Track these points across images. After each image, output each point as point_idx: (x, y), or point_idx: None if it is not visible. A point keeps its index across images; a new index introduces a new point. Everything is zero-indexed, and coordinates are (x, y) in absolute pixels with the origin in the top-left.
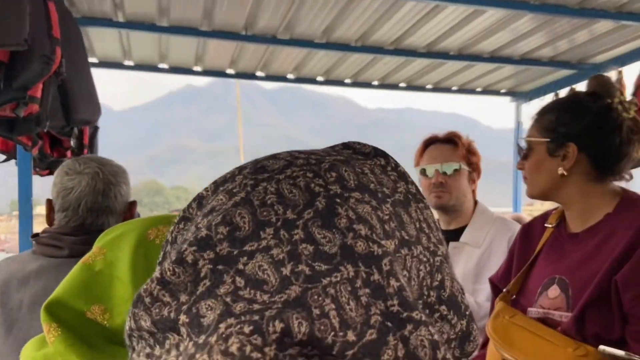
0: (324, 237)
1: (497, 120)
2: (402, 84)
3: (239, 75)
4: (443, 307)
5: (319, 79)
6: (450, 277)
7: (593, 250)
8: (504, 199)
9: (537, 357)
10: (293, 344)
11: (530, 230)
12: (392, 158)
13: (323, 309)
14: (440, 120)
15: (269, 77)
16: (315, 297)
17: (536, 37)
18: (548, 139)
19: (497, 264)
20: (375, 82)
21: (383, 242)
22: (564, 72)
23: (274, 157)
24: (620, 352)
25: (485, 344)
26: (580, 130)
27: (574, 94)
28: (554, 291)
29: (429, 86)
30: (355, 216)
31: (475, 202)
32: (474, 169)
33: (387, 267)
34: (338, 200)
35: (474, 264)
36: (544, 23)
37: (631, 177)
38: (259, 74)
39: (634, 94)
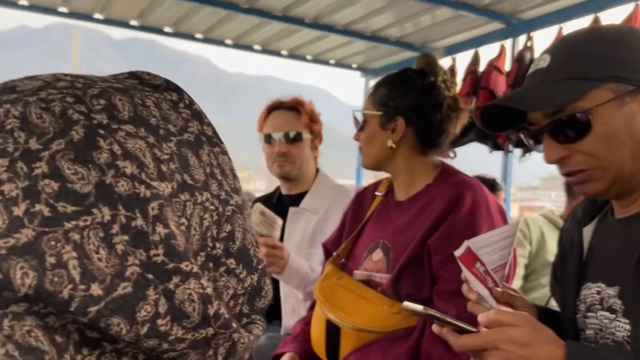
0: (75, 173)
1: (351, 96)
2: (257, 47)
3: (73, 15)
4: (231, 260)
5: (167, 29)
6: (243, 229)
7: (413, 217)
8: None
9: (357, 316)
10: (16, 300)
11: (362, 198)
12: (187, 94)
13: (61, 257)
14: (298, 91)
15: (108, 21)
16: (53, 243)
17: (385, 15)
18: (380, 113)
19: (332, 230)
20: (229, 41)
21: (155, 183)
22: (409, 54)
23: (33, 77)
24: (419, 307)
25: (313, 306)
26: (407, 105)
27: (404, 71)
28: (377, 255)
29: (284, 52)
30: (122, 151)
31: (317, 170)
32: (316, 136)
33: (154, 212)
34: (101, 132)
35: (312, 229)
36: (393, 2)
37: (455, 154)
38: (97, 16)
39: (464, 80)
